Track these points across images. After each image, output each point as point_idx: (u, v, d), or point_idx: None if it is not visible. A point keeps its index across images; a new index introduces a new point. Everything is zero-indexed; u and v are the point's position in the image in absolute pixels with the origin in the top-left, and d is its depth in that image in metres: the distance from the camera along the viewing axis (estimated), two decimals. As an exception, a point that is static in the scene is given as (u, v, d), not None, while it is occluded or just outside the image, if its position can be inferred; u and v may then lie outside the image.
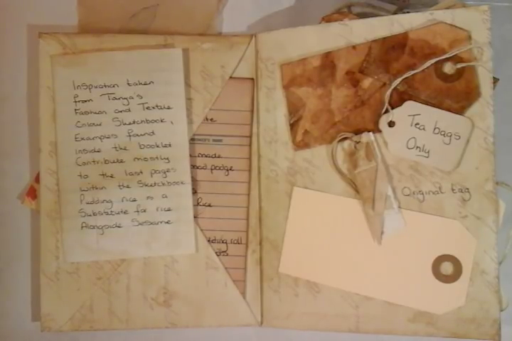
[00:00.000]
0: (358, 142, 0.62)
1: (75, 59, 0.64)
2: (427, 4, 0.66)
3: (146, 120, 0.64)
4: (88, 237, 0.63)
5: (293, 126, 0.64)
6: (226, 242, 0.64)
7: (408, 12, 0.66)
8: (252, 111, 0.65)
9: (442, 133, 0.62)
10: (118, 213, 0.63)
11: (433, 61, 0.62)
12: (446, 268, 0.62)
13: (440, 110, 0.62)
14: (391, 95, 0.62)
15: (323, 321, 0.63)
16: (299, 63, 0.63)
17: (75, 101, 0.64)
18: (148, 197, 0.63)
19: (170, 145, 0.64)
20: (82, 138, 0.64)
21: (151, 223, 0.63)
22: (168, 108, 0.64)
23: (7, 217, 0.68)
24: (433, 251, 0.62)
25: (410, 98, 0.62)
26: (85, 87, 0.64)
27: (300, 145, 0.63)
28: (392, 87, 0.62)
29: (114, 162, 0.64)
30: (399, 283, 0.62)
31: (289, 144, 0.64)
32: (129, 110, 0.64)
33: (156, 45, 0.64)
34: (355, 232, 0.62)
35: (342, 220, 0.63)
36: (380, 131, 0.62)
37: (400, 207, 0.62)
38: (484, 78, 0.62)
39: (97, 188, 0.63)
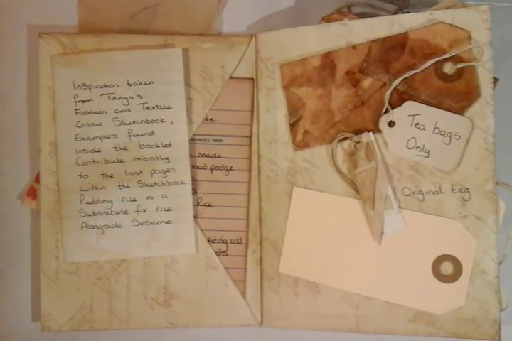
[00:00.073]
0: (358, 142, 0.62)
1: (75, 59, 0.64)
2: (427, 4, 0.66)
3: (146, 120, 0.64)
4: (88, 237, 0.63)
5: (293, 126, 0.64)
6: (226, 242, 0.64)
7: (408, 12, 0.66)
8: (252, 111, 0.65)
9: (442, 133, 0.62)
10: (118, 213, 0.63)
11: (433, 61, 0.62)
12: (446, 268, 0.62)
13: (440, 110, 0.62)
14: (391, 95, 0.62)
15: (323, 321, 0.63)
16: (299, 63, 0.63)
17: (75, 101, 0.64)
18: (148, 197, 0.63)
19: (170, 145, 0.64)
20: (82, 138, 0.64)
21: (151, 223, 0.63)
22: (168, 108, 0.64)
23: (7, 217, 0.68)
24: (433, 251, 0.62)
25: (410, 98, 0.62)
26: (85, 87, 0.64)
27: (300, 145, 0.63)
28: (392, 87, 0.62)
29: (114, 162, 0.64)
30: (399, 283, 0.62)
31: (289, 144, 0.64)
32: (129, 110, 0.64)
33: (156, 45, 0.64)
34: (355, 232, 0.62)
35: (342, 220, 0.63)
36: (380, 131, 0.62)
37: (400, 207, 0.62)
38: (484, 78, 0.62)
39: (97, 188, 0.63)
